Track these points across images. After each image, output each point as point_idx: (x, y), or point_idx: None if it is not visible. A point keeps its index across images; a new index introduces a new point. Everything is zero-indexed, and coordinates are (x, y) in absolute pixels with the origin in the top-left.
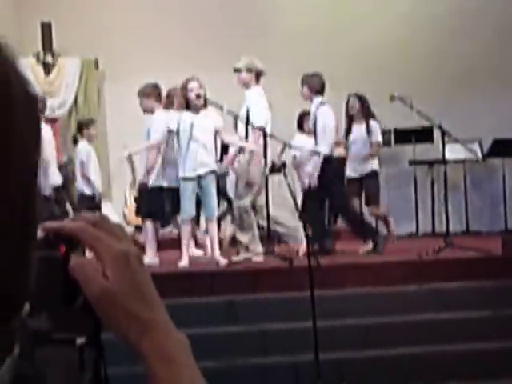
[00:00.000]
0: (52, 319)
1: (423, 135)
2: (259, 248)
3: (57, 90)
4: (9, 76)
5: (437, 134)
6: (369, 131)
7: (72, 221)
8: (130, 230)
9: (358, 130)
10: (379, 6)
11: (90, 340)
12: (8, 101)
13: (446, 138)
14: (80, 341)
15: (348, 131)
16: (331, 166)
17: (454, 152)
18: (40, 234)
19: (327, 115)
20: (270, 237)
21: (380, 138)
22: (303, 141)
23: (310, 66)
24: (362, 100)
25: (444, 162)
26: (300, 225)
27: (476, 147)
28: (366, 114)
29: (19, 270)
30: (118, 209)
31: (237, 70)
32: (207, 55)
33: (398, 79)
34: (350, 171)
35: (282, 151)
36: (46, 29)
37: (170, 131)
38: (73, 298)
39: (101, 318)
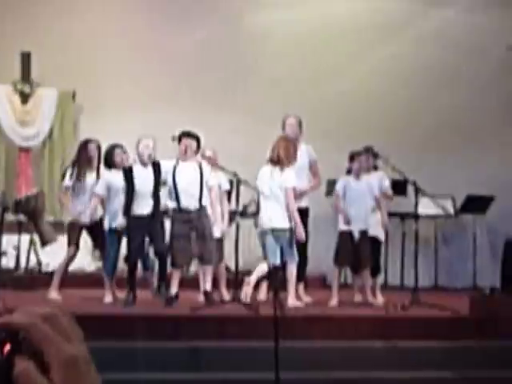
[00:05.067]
0: None
1: (396, 188)
2: None
3: (32, 119)
4: None
5: (410, 188)
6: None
7: (22, 315)
8: (98, 265)
9: None
10: (358, 56)
11: None
12: None
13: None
14: None
15: None
16: None
17: (426, 206)
18: None
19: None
20: (236, 282)
21: None
22: None
23: (285, 110)
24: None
25: (416, 216)
26: None
27: (448, 203)
28: None
29: None
30: (87, 243)
31: None
32: (185, 95)
33: (372, 129)
34: None
35: (253, 199)
36: (25, 58)
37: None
38: None
39: None
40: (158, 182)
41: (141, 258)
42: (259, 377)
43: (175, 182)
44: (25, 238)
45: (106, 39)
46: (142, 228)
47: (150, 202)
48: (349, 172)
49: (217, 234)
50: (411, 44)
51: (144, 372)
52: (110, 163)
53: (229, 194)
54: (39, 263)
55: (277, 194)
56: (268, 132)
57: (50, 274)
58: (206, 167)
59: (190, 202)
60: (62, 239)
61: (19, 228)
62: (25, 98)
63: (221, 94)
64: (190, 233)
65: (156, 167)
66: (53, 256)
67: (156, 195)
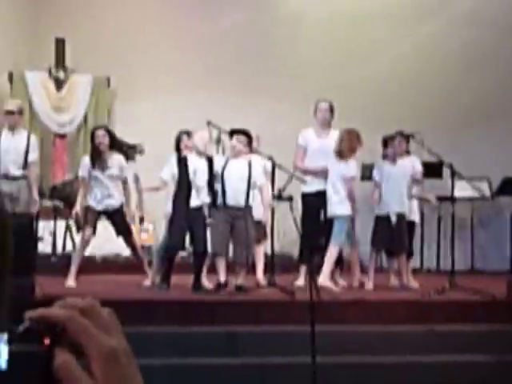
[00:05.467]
0: None
1: (431, 170)
2: None
3: (67, 106)
4: None
5: (446, 169)
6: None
7: (59, 307)
8: None
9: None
10: (393, 36)
11: None
12: None
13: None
14: None
15: None
16: None
17: (462, 189)
18: (23, 325)
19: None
20: (273, 267)
21: None
22: None
23: (321, 93)
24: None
25: (452, 199)
26: None
27: (485, 185)
28: None
29: None
30: None
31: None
32: (219, 80)
33: (407, 111)
34: None
35: (288, 182)
36: (60, 45)
37: None
38: None
39: None
40: (211, 176)
41: (182, 250)
42: (295, 361)
43: (223, 179)
44: (61, 224)
45: (141, 25)
46: (186, 221)
47: (200, 195)
48: (385, 157)
49: (260, 216)
50: (445, 24)
51: (180, 357)
52: (178, 149)
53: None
54: (75, 248)
55: (335, 183)
56: (301, 116)
57: (87, 260)
58: (256, 166)
59: (235, 199)
60: (97, 224)
61: (55, 214)
62: (59, 84)
63: (256, 79)
64: (229, 227)
65: (209, 161)
66: None
67: (210, 189)
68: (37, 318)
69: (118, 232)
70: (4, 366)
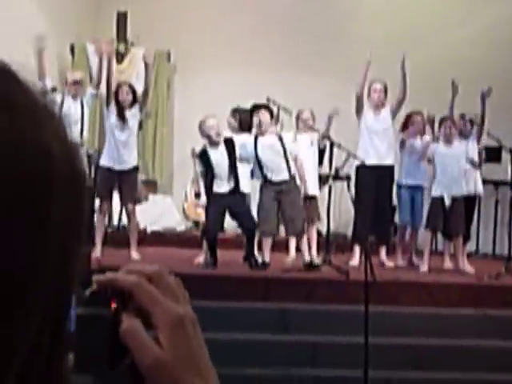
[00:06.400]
0: (96, 380)
1: (491, 154)
2: None
3: (127, 78)
4: (50, 146)
5: (505, 153)
6: None
7: (127, 273)
8: (188, 225)
9: None
10: (453, 19)
11: None
12: (46, 178)
13: None
14: None
15: None
16: None
17: None
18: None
19: None
20: (328, 246)
21: None
22: None
23: (378, 73)
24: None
25: (511, 184)
26: None
27: None
28: None
29: None
30: (178, 203)
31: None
32: (279, 57)
33: (466, 96)
34: None
35: (346, 161)
36: (122, 18)
37: None
38: (119, 361)
39: None
40: (233, 159)
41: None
42: (348, 340)
43: (258, 157)
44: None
45: (202, 0)
46: (221, 202)
47: (230, 180)
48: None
49: (311, 191)
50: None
51: (231, 332)
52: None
53: (321, 154)
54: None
55: None
56: None
57: (143, 233)
58: (287, 136)
59: (277, 174)
60: (154, 198)
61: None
62: (120, 57)
63: (314, 57)
64: (277, 203)
65: (229, 144)
66: (144, 214)
67: (234, 172)
68: (104, 282)
69: (122, 196)
70: (72, 327)
